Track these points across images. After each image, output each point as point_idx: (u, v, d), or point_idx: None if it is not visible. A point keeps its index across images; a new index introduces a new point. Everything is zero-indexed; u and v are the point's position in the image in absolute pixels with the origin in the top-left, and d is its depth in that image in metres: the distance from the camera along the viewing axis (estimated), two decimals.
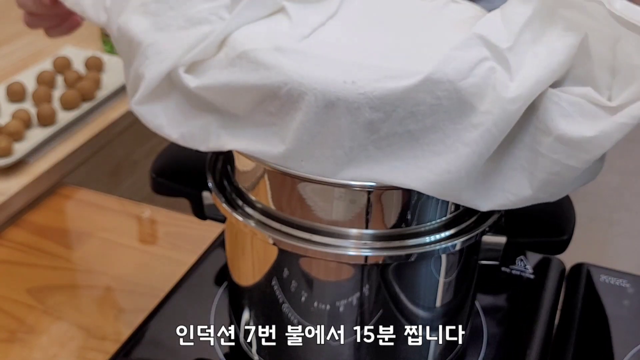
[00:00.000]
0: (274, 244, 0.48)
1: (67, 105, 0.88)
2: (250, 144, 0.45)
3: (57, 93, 0.90)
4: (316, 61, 0.42)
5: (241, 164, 0.50)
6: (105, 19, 0.51)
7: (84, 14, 0.53)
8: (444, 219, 0.48)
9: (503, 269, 0.68)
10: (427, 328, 0.52)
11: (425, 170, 0.42)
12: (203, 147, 0.48)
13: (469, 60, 0.40)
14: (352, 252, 0.46)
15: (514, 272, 0.68)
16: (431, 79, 0.40)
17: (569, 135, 0.41)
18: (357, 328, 0.50)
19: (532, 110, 0.42)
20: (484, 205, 0.44)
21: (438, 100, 0.40)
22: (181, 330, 0.61)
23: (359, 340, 0.51)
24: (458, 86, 0.40)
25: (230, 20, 0.46)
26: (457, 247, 0.47)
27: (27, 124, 0.84)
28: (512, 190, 0.44)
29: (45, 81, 0.92)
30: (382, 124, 0.41)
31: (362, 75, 0.41)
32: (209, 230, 0.72)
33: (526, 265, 0.69)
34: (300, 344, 0.52)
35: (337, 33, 0.47)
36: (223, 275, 0.66)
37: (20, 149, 0.80)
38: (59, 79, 0.94)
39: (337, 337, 0.51)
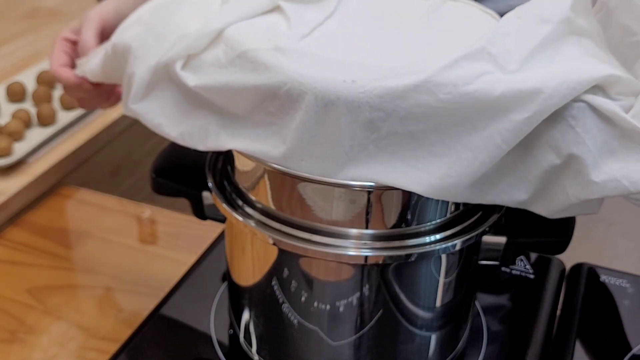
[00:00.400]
0: (274, 244, 0.48)
1: (67, 105, 0.88)
2: (250, 144, 0.45)
3: (57, 93, 0.90)
4: (316, 60, 0.42)
5: (241, 164, 0.50)
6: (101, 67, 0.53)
7: (91, 74, 0.55)
8: (444, 218, 0.48)
9: (503, 269, 0.68)
10: (427, 328, 0.52)
11: (426, 172, 0.42)
12: (202, 147, 0.48)
13: (474, 70, 0.40)
14: (352, 252, 0.46)
15: (514, 272, 0.68)
16: (433, 81, 0.40)
17: (576, 167, 0.41)
18: (357, 328, 0.50)
19: (545, 126, 0.41)
20: (477, 200, 0.44)
21: (441, 102, 0.40)
22: (181, 330, 0.61)
23: (359, 340, 0.51)
24: (462, 90, 0.40)
25: (218, 14, 0.47)
26: (457, 247, 0.47)
27: (27, 124, 0.84)
28: (506, 191, 0.44)
29: (45, 81, 0.92)
30: (382, 123, 0.41)
31: (362, 74, 0.41)
32: (209, 230, 0.72)
33: (526, 265, 0.69)
34: (300, 344, 0.52)
35: (336, 32, 0.47)
36: (223, 275, 0.66)
37: (20, 149, 0.80)
38: None
39: (337, 337, 0.51)
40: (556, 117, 0.40)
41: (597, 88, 0.41)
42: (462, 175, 0.41)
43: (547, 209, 0.44)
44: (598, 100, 0.40)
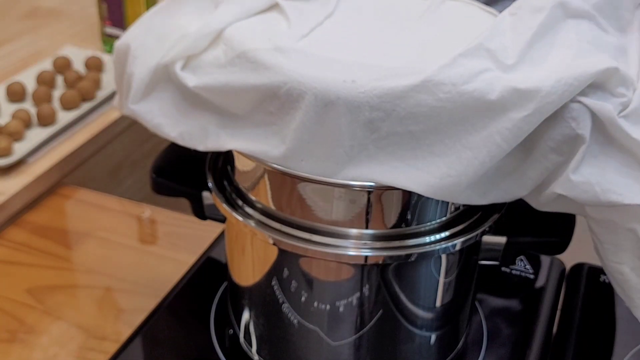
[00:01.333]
0: (274, 244, 0.48)
1: (67, 105, 0.88)
2: (250, 144, 0.45)
3: (57, 93, 0.90)
4: (316, 60, 0.42)
5: (241, 164, 0.50)
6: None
7: (117, 104, 0.54)
8: (444, 219, 0.48)
9: (503, 269, 0.68)
10: (427, 328, 0.52)
11: (426, 172, 0.42)
12: (201, 147, 0.48)
13: (473, 68, 0.40)
14: (352, 252, 0.46)
15: (514, 272, 0.68)
16: (433, 80, 0.40)
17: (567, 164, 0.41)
18: (357, 328, 0.50)
19: (546, 127, 0.41)
20: (479, 201, 0.44)
21: (440, 102, 0.40)
22: (181, 330, 0.61)
23: (359, 340, 0.51)
24: (461, 89, 0.40)
25: (217, 14, 0.47)
26: (457, 247, 0.47)
27: (27, 124, 0.84)
28: (507, 191, 0.44)
29: (45, 81, 0.92)
30: (382, 123, 0.41)
31: (361, 74, 0.41)
32: (209, 230, 0.72)
33: (526, 265, 0.69)
34: (300, 344, 0.52)
35: (336, 32, 0.47)
36: (223, 275, 0.66)
37: (20, 149, 0.80)
38: (59, 79, 0.94)
39: (337, 337, 0.51)
40: (557, 118, 0.40)
41: (597, 84, 0.40)
42: (462, 175, 0.41)
43: (536, 200, 0.45)
44: (595, 103, 0.40)
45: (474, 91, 0.40)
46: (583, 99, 0.40)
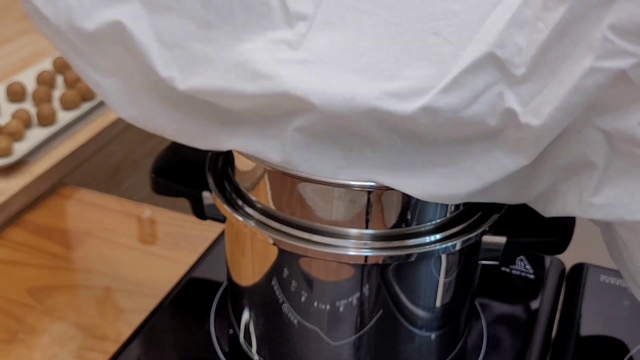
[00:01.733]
0: (274, 244, 0.48)
1: (67, 105, 0.88)
2: (250, 145, 0.45)
3: (57, 93, 0.90)
4: (314, 73, 0.41)
5: (241, 164, 0.50)
6: None
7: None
8: (444, 218, 0.48)
9: (503, 269, 0.68)
10: (427, 328, 0.52)
11: (425, 181, 0.42)
12: (200, 145, 0.48)
13: (476, 87, 0.38)
14: (352, 252, 0.46)
15: (514, 272, 0.68)
16: (432, 107, 0.38)
17: (580, 186, 0.40)
18: (357, 328, 0.50)
19: (554, 146, 0.40)
20: (479, 199, 0.44)
21: (439, 125, 0.39)
22: (181, 330, 0.61)
23: (359, 340, 0.51)
24: (461, 115, 0.38)
25: None
26: (457, 247, 0.47)
27: (27, 124, 0.84)
28: (508, 198, 0.44)
29: (45, 81, 0.92)
30: (380, 136, 0.41)
31: (361, 92, 0.39)
32: (209, 230, 0.72)
33: (526, 265, 0.69)
34: (300, 344, 0.52)
35: (335, 43, 0.45)
36: (223, 275, 0.66)
37: (20, 149, 0.80)
38: (59, 79, 0.94)
39: (337, 337, 0.51)
40: (568, 140, 0.39)
41: (616, 94, 0.37)
42: (460, 187, 0.41)
43: (543, 210, 0.44)
44: (613, 125, 0.37)
45: (474, 116, 0.38)
46: (599, 122, 0.38)
